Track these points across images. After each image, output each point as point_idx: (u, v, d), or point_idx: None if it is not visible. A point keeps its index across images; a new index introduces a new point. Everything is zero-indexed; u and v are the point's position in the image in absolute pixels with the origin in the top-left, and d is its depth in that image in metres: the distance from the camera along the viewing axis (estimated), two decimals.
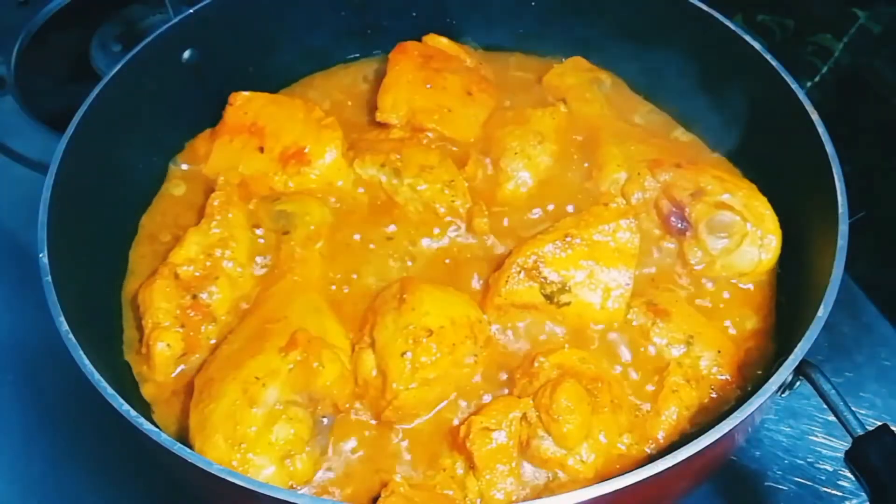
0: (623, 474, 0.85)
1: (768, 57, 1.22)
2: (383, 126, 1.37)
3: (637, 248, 1.15)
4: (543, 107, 1.37)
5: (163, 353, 1.11)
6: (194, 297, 1.16)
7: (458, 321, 1.09)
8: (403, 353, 1.05)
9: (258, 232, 1.24)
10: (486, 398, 1.10)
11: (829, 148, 1.11)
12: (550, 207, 1.27)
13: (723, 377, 1.10)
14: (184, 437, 1.04)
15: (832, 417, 0.94)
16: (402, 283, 1.15)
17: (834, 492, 1.23)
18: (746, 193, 1.21)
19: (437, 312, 1.08)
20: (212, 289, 1.16)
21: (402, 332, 1.07)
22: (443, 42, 1.46)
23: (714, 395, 1.09)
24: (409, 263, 1.22)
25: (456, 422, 1.08)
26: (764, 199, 1.22)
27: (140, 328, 1.15)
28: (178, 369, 1.14)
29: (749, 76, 1.25)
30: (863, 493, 0.91)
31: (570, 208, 1.26)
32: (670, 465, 0.86)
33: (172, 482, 1.09)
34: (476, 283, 1.20)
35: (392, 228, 1.26)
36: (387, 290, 1.16)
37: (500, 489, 1.00)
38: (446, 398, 1.09)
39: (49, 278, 1.01)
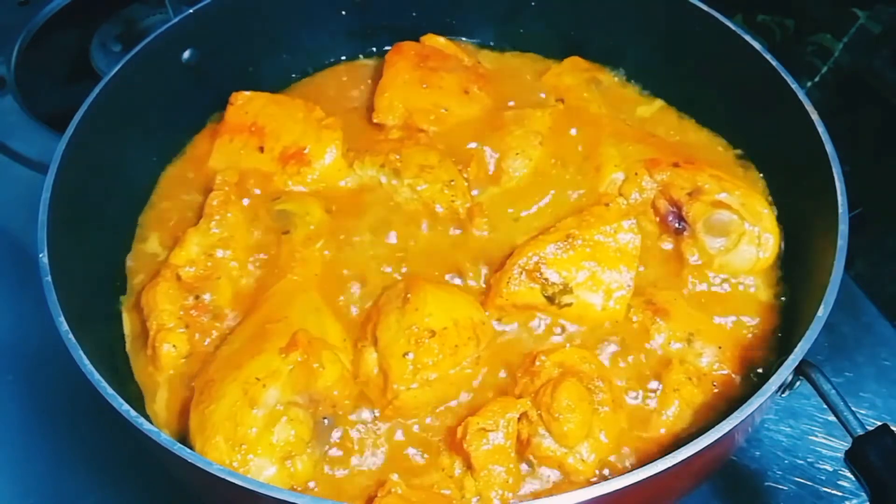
0: (623, 474, 0.85)
1: (768, 57, 1.22)
2: (382, 126, 1.37)
3: (638, 248, 1.15)
4: (543, 107, 1.37)
5: (169, 355, 1.11)
6: (197, 297, 1.16)
7: (461, 322, 1.09)
8: (405, 354, 1.05)
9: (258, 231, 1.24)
10: (486, 398, 1.10)
11: (829, 148, 1.11)
12: (550, 208, 1.27)
13: (724, 373, 1.10)
14: (184, 438, 1.04)
15: (832, 417, 0.94)
16: (406, 282, 1.15)
17: (834, 492, 1.23)
18: (744, 192, 1.21)
19: (440, 314, 1.08)
20: (214, 289, 1.17)
21: (405, 332, 1.07)
22: (440, 41, 1.46)
23: (716, 392, 1.09)
24: (410, 264, 1.22)
25: (455, 422, 1.08)
26: (762, 198, 1.22)
27: (144, 330, 1.15)
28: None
29: (749, 76, 1.25)
30: (863, 493, 0.91)
31: (569, 209, 1.26)
32: (670, 465, 0.86)
33: (172, 482, 1.09)
34: (477, 284, 1.20)
35: (392, 228, 1.26)
36: (391, 288, 1.16)
37: (497, 489, 1.00)
38: (446, 399, 1.09)
39: (49, 278, 1.01)
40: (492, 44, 1.54)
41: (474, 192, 1.28)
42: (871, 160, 1.56)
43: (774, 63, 1.21)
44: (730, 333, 1.15)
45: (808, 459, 1.26)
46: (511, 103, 1.41)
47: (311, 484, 1.04)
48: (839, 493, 1.23)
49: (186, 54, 1.36)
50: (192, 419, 1.03)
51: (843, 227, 1.04)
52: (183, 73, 1.36)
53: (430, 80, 1.38)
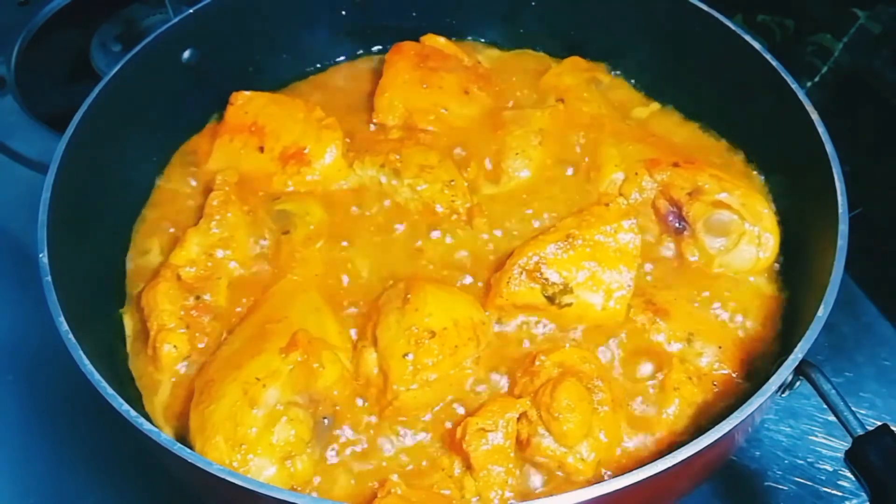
0: (623, 474, 0.85)
1: (768, 57, 1.22)
2: (383, 126, 1.37)
3: (639, 248, 1.15)
4: (543, 107, 1.37)
5: (170, 355, 1.11)
6: (197, 297, 1.16)
7: (461, 322, 1.09)
8: (405, 355, 1.05)
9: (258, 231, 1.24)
10: (486, 398, 1.10)
11: (829, 148, 1.11)
12: (550, 208, 1.27)
13: (724, 372, 1.10)
14: (184, 438, 1.04)
15: (832, 417, 0.94)
16: (406, 282, 1.15)
17: (834, 492, 1.23)
18: (744, 192, 1.21)
19: (440, 314, 1.08)
20: (214, 289, 1.17)
21: (405, 333, 1.07)
22: (440, 41, 1.46)
23: (717, 392, 1.09)
24: (409, 264, 1.22)
25: (454, 422, 1.07)
26: (762, 198, 1.22)
27: (145, 329, 1.15)
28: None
29: (749, 76, 1.25)
30: (863, 493, 0.91)
31: (569, 209, 1.26)
32: (670, 465, 0.86)
33: (172, 482, 1.09)
34: (477, 284, 1.20)
35: (392, 228, 1.26)
36: (392, 288, 1.16)
37: (497, 489, 1.00)
38: (446, 399, 1.09)
39: (49, 278, 1.01)
40: (492, 44, 1.54)
41: (477, 194, 1.29)
42: (871, 160, 1.56)
43: (774, 63, 1.21)
44: (730, 333, 1.15)
45: (808, 459, 1.26)
46: (511, 103, 1.42)
47: (312, 483, 1.04)
48: (839, 493, 1.23)
49: (186, 54, 1.36)
50: (192, 419, 1.03)
51: (843, 227, 1.04)
52: (183, 73, 1.36)
53: (430, 80, 1.38)
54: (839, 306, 0.98)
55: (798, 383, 0.98)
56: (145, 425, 0.90)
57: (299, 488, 1.02)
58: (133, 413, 0.91)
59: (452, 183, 1.26)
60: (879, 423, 0.92)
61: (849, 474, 0.97)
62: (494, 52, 1.53)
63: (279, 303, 1.15)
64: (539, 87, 1.44)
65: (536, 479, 1.04)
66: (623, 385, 1.10)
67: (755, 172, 1.30)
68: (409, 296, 1.10)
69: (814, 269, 1.08)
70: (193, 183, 1.34)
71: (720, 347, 1.12)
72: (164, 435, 0.89)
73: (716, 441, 0.88)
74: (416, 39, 1.45)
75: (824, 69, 1.67)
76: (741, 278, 1.20)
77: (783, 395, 1.00)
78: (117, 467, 1.26)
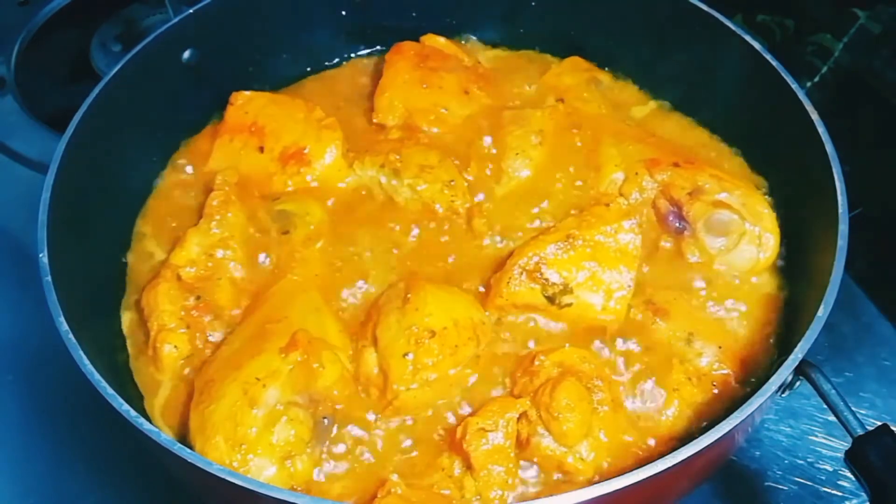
0: (623, 474, 0.85)
1: (768, 57, 1.22)
2: (382, 126, 1.37)
3: (639, 248, 1.15)
4: (543, 107, 1.37)
5: (170, 356, 1.12)
6: (197, 297, 1.16)
7: (461, 322, 1.09)
8: (405, 354, 1.05)
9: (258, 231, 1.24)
10: (486, 398, 1.10)
11: (829, 148, 1.11)
12: (550, 208, 1.27)
13: (724, 372, 1.10)
14: (184, 438, 1.04)
15: (832, 417, 0.94)
16: (407, 281, 1.15)
17: (834, 492, 1.23)
18: (744, 192, 1.21)
19: (440, 314, 1.08)
20: (214, 289, 1.17)
21: (405, 332, 1.07)
22: (440, 41, 1.46)
23: (716, 392, 1.09)
24: (410, 264, 1.22)
25: (454, 422, 1.08)
26: (762, 198, 1.22)
27: (145, 330, 1.15)
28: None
29: (749, 76, 1.25)
30: (863, 493, 0.91)
31: (570, 209, 1.26)
32: (670, 465, 0.86)
33: (172, 482, 1.09)
34: (477, 284, 1.20)
35: (392, 228, 1.26)
36: (392, 288, 1.16)
37: (497, 489, 1.00)
38: (446, 398, 1.09)
39: (49, 278, 1.01)
40: (492, 44, 1.54)
41: (476, 195, 1.28)
42: (871, 160, 1.56)
43: (774, 63, 1.21)
44: (730, 333, 1.15)
45: (808, 459, 1.26)
46: (511, 103, 1.41)
47: (312, 483, 1.04)
48: (839, 493, 1.23)
49: (186, 54, 1.36)
50: (192, 419, 1.03)
51: (843, 227, 1.04)
52: (183, 73, 1.36)
53: (430, 80, 1.38)
54: (839, 306, 0.98)
55: (798, 383, 0.98)
56: (145, 425, 0.90)
57: (299, 488, 1.02)
58: (133, 413, 0.91)
59: (452, 183, 1.26)
60: (879, 423, 0.92)
61: (849, 474, 0.97)
62: (494, 52, 1.53)
63: (279, 303, 1.15)
64: (539, 87, 1.44)
65: (535, 479, 1.04)
66: (622, 385, 1.10)
67: (755, 173, 1.30)
68: (409, 295, 1.10)
69: (814, 269, 1.08)
70: (193, 183, 1.34)
71: (720, 347, 1.12)
72: (164, 435, 0.89)
73: (716, 441, 0.88)
74: (416, 39, 1.46)
75: (824, 69, 1.67)
76: (741, 278, 1.20)
77: (783, 395, 1.00)
78: (117, 467, 1.26)
